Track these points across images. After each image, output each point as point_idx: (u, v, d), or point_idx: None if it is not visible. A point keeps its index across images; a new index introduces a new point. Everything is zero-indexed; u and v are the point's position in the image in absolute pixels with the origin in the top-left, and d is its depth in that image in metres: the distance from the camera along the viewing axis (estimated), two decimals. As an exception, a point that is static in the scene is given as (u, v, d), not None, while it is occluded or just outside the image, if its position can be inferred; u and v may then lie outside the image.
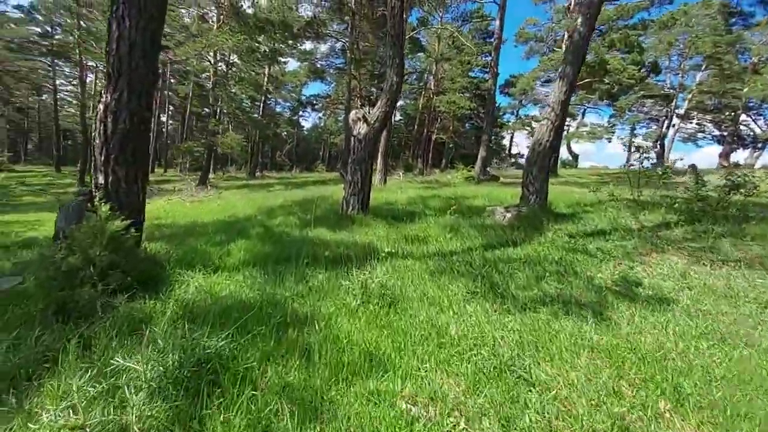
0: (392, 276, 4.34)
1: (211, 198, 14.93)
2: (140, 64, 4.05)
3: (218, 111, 20.23)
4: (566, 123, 18.16)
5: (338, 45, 29.75)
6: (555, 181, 15.57)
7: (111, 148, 3.99)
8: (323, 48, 31.51)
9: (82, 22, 20.48)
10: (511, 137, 52.75)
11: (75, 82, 38.55)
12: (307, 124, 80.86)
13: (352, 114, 8.52)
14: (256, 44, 18.33)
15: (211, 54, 19.14)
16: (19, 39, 21.20)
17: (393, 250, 5.41)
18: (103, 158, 3.99)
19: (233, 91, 20.63)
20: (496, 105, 34.65)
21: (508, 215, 7.08)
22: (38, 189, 17.91)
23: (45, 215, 10.57)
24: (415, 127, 37.70)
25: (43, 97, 36.66)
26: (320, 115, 68.62)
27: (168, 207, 11.85)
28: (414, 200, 10.79)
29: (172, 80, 40.95)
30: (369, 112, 8.46)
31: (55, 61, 28.10)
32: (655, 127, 39.67)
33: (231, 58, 23.77)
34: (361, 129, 8.15)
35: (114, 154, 4.00)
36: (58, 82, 30.20)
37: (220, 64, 21.50)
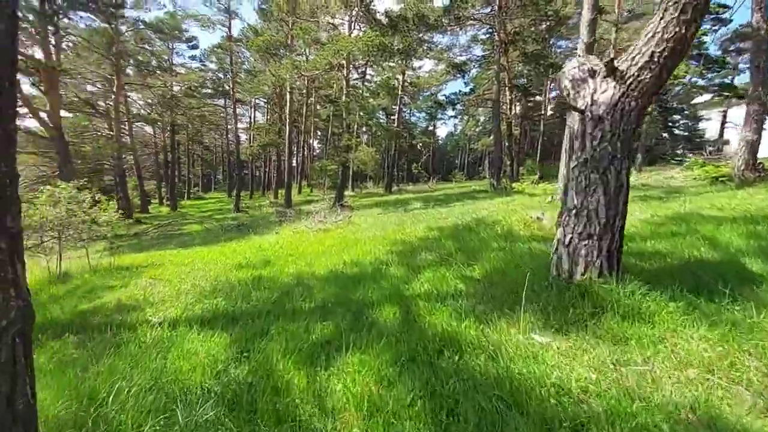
0: None
1: (340, 224, 12.62)
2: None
3: (351, 125, 18.72)
4: None
5: (481, 31, 25.48)
6: None
7: None
8: (463, 39, 27.84)
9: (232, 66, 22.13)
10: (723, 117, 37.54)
11: (247, 119, 45.30)
12: (442, 133, 78.47)
13: (571, 69, 4.19)
14: (388, 42, 15.73)
15: (344, 62, 17.54)
16: (194, 84, 24.95)
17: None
18: None
19: (367, 100, 19.06)
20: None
21: None
22: (197, 220, 19.30)
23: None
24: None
25: (220, 135, 44.11)
26: (456, 121, 65.01)
27: (288, 241, 9.71)
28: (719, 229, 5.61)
29: (317, 106, 44.04)
30: (602, 63, 4.01)
31: (227, 101, 32.54)
32: None
33: (364, 67, 22.39)
34: (598, 94, 3.78)
35: None
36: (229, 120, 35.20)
37: (352, 73, 20.06)
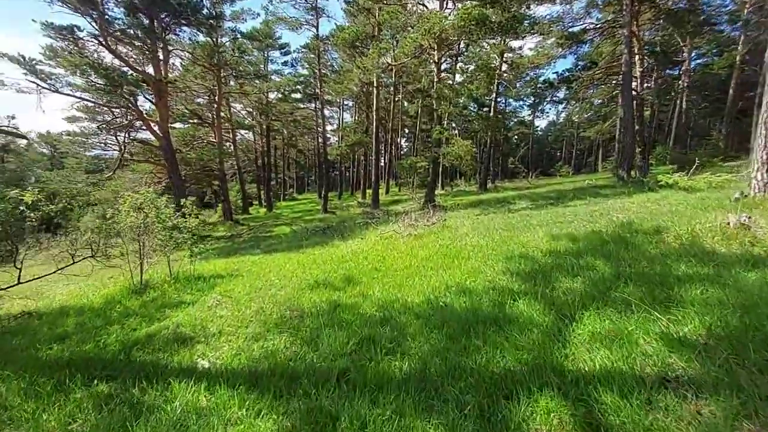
0: None
1: (434, 227, 10.93)
2: None
3: (442, 116, 16.82)
4: None
5: (600, -8, 21.14)
6: None
7: None
8: (577, 6, 23.69)
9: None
10: None
11: (336, 121, 46.62)
12: (540, 124, 71.10)
13: None
14: (487, 14, 13.48)
15: (435, 45, 15.79)
16: (286, 90, 25.87)
17: None
18: None
19: (462, 87, 16.94)
20: None
21: None
22: (288, 221, 19.52)
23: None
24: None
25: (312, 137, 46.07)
26: (560, 109, 57.86)
27: (374, 250, 8.38)
28: None
29: (405, 103, 43.06)
30: None
31: (316, 104, 33.50)
32: None
33: (456, 50, 20.29)
34: None
35: None
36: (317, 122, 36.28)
37: (444, 60, 18.19)
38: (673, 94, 32.73)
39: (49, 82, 12.70)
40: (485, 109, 28.20)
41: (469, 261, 6.15)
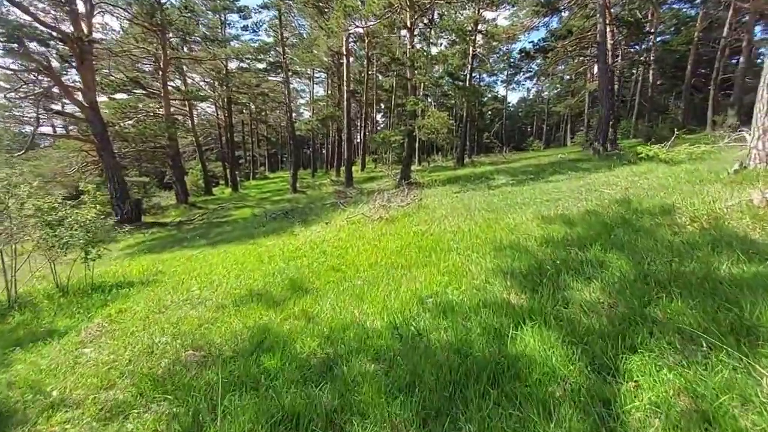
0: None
1: (409, 208, 9.58)
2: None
3: (417, 86, 15.12)
4: None
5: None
6: None
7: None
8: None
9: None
10: None
11: (308, 95, 43.59)
12: (513, 99, 70.17)
13: None
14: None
15: (406, 6, 13.89)
16: (246, 57, 23.11)
17: None
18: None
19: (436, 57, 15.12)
20: None
21: None
22: (252, 203, 17.68)
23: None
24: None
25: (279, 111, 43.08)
26: (530, 85, 56.79)
27: (336, 239, 6.96)
28: None
29: (380, 76, 40.57)
30: None
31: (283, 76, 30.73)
32: None
33: (430, 16, 18.39)
34: None
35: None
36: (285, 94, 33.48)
37: (417, 25, 16.28)
38: (636, 69, 32.32)
39: None
40: (460, 82, 26.54)
41: (449, 255, 4.84)
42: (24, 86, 12.14)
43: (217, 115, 29.61)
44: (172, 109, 28.41)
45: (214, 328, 3.52)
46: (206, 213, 15.28)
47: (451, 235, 6.11)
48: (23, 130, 18.75)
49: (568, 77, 44.33)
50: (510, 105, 64.41)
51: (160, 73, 17.18)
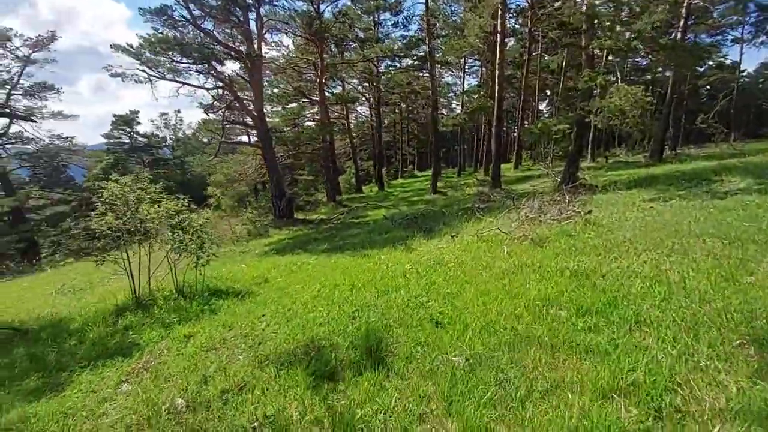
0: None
1: (569, 224, 6.99)
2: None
3: (593, 51, 11.30)
4: None
5: None
6: None
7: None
8: None
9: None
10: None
11: (459, 88, 41.79)
12: (750, 65, 50.52)
13: None
14: None
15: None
16: (396, 54, 23.03)
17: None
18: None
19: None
20: None
21: None
22: (390, 204, 17.40)
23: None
24: None
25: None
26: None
27: (460, 262, 5.36)
28: None
29: (545, 55, 35.33)
30: None
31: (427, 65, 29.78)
32: None
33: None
34: None
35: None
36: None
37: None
38: None
39: (157, 69, 13.26)
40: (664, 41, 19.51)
41: (641, 335, 2.57)
42: (215, 102, 15.19)
43: (371, 116, 31.23)
44: (332, 114, 31.75)
45: (229, 407, 2.52)
46: (349, 211, 15.80)
47: (642, 286, 3.61)
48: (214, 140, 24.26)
49: None
50: (744, 74, 46.62)
51: (317, 80, 18.84)
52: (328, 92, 21.97)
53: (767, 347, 2.33)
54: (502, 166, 33.88)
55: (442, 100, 50.77)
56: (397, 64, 26.29)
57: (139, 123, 39.35)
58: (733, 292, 3.27)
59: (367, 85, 26.91)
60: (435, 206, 14.80)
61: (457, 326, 3.15)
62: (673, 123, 24.50)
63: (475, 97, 34.15)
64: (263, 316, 4.14)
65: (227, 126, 17.10)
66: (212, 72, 13.61)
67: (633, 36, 12.18)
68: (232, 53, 13.83)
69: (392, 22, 23.50)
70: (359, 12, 20.04)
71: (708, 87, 43.89)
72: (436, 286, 4.38)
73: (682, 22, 17.15)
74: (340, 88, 27.29)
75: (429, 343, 2.93)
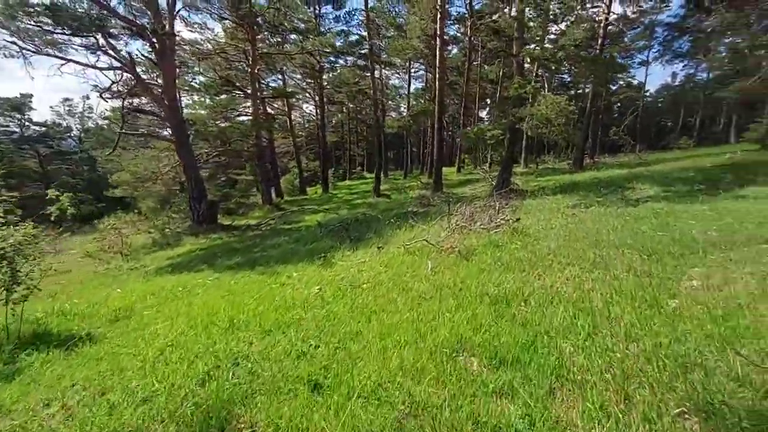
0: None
1: (498, 232, 6.56)
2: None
3: (524, 59, 11.29)
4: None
5: None
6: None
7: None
8: None
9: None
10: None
11: (404, 92, 41.63)
12: (653, 85, 57.06)
13: None
14: None
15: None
16: (336, 50, 22.06)
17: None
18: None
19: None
20: None
21: None
22: (331, 207, 16.36)
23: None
24: None
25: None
26: (678, 68, 44.40)
27: (377, 282, 4.55)
28: None
29: (484, 65, 36.30)
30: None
31: (377, 68, 29.02)
32: None
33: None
34: None
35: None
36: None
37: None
38: None
39: (33, 41, 10.81)
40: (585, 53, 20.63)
41: (570, 411, 1.88)
42: (113, 85, 12.73)
43: (316, 114, 29.72)
44: (274, 110, 29.74)
45: None
46: (282, 216, 14.37)
47: (564, 317, 3.07)
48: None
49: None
50: (647, 94, 52.25)
51: (249, 70, 17.07)
52: (266, 86, 20.27)
53: (712, 418, 1.80)
54: (446, 169, 34.23)
55: (390, 102, 50.44)
56: (341, 61, 25.25)
57: (32, 109, 33.20)
58: (660, 324, 2.82)
59: (312, 81, 25.45)
60: (375, 210, 14.05)
61: (341, 390, 2.31)
62: (592, 134, 26.24)
63: (422, 101, 34.16)
64: (72, 386, 2.90)
65: (131, 115, 14.74)
66: (104, 48, 11.39)
67: (558, 49, 12.46)
68: (133, 28, 11.69)
69: (334, 16, 22.38)
70: (298, 1, 18.62)
71: (619, 104, 48.54)
72: (336, 322, 3.52)
73: (600, 41, 18.19)
74: (281, 82, 25.57)
75: (294, 426, 2.06)
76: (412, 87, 37.45)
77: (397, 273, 5.11)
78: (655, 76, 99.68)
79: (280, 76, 25.36)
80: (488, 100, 45.12)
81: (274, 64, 20.66)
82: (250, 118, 18.18)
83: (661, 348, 2.49)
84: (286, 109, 25.50)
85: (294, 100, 29.36)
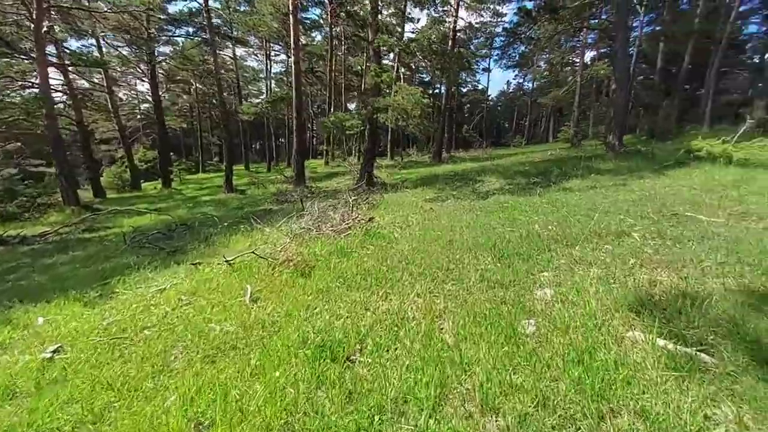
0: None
1: (350, 235, 5.53)
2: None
3: (380, 48, 10.73)
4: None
5: None
6: None
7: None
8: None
9: None
10: None
11: (262, 75, 38.18)
12: (493, 92, 67.50)
13: None
14: None
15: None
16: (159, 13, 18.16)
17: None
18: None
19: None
20: None
21: None
22: (163, 208, 13.06)
23: None
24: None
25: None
26: (511, 77, 53.19)
27: (161, 328, 2.74)
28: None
29: (350, 57, 35.84)
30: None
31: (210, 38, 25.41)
32: None
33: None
34: None
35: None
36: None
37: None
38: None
39: None
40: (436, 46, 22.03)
41: None
42: None
43: (151, 92, 24.07)
44: (90, 85, 22.96)
45: None
46: (83, 220, 10.46)
47: (407, 378, 2.11)
48: None
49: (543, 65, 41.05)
50: (490, 98, 61.22)
51: (33, 28, 11.88)
52: (69, 52, 14.86)
53: None
54: (314, 162, 32.68)
55: (252, 88, 45.71)
56: (182, 32, 20.78)
57: None
58: (521, 371, 2.11)
59: (140, 51, 20.25)
60: (222, 209, 11.68)
61: None
62: (448, 130, 28.55)
63: (284, 87, 31.62)
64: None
65: None
66: None
67: (411, 41, 12.45)
68: None
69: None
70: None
71: (468, 105, 55.25)
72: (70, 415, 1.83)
73: (450, 43, 19.43)
74: (96, 49, 19.66)
75: None
76: (273, 71, 34.46)
77: (199, 307, 3.53)
78: (494, 82, 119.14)
79: (94, 42, 19.49)
80: (355, 93, 45.32)
81: (76, 23, 15.37)
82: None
83: (525, 419, 1.70)
84: (105, 84, 19.80)
85: (117, 73, 23.25)
